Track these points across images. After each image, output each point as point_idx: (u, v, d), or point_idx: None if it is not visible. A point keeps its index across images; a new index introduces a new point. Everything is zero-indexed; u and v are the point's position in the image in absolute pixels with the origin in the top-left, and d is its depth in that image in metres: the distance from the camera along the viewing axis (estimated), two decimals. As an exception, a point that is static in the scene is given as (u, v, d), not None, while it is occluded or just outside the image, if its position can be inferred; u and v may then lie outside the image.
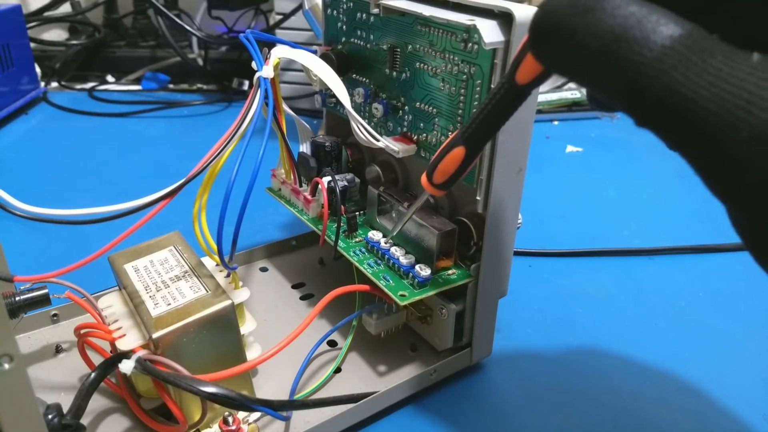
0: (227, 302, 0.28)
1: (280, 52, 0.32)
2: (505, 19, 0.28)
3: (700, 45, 0.15)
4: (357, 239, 0.36)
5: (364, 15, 0.36)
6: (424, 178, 0.28)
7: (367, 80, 0.38)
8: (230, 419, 0.28)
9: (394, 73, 0.35)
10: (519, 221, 0.33)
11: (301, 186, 0.39)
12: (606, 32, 0.16)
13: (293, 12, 0.72)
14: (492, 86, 0.29)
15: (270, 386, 0.33)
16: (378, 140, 0.34)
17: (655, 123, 0.16)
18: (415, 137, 0.35)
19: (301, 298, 0.41)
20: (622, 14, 0.16)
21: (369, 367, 0.35)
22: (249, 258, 0.44)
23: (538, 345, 0.39)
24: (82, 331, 0.29)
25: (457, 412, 0.34)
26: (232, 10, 0.83)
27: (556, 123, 0.82)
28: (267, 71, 0.31)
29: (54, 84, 0.87)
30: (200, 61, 0.87)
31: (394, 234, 0.33)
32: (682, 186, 0.64)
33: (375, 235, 0.35)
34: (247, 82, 0.85)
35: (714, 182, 0.16)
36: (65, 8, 0.90)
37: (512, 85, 0.21)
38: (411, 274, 0.32)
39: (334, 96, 0.33)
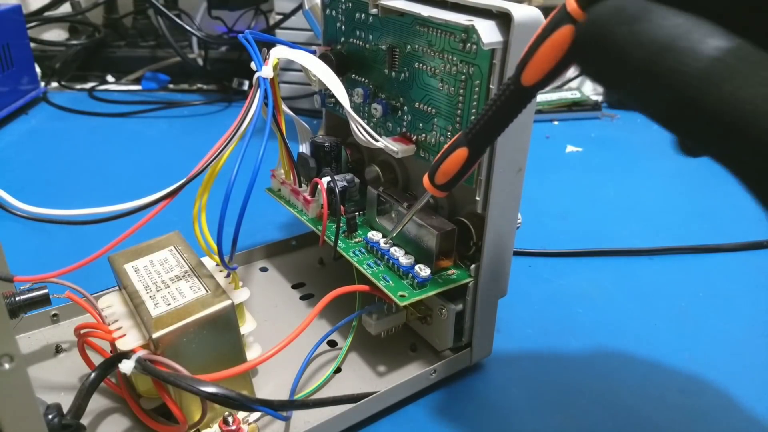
0: (227, 302, 0.28)
1: (279, 53, 0.32)
2: (503, 19, 0.28)
3: (750, 58, 0.15)
4: (357, 239, 0.36)
5: (362, 15, 0.36)
6: (426, 179, 0.28)
7: (366, 80, 0.38)
8: (230, 419, 0.28)
9: (393, 74, 0.35)
10: (519, 221, 0.33)
11: (300, 186, 0.39)
12: (652, 42, 0.15)
13: (293, 12, 0.72)
14: (491, 86, 0.29)
15: (270, 386, 0.33)
16: (377, 140, 0.34)
17: (704, 136, 0.15)
18: (414, 137, 0.35)
19: (301, 298, 0.41)
20: (669, 24, 0.15)
21: (369, 367, 0.35)
22: (249, 258, 0.44)
23: (538, 345, 0.39)
24: (82, 331, 0.29)
25: (457, 412, 0.34)
26: (232, 10, 0.83)
27: (556, 123, 0.82)
28: (266, 71, 0.31)
29: (54, 84, 0.87)
30: (200, 61, 0.87)
31: (394, 235, 0.33)
32: (682, 186, 0.64)
33: (375, 235, 0.35)
34: (247, 82, 0.85)
35: (765, 194, 0.15)
36: (65, 8, 0.90)
37: (517, 87, 0.21)
38: (411, 275, 0.32)
39: (333, 96, 0.33)
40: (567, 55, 0.19)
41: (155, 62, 0.90)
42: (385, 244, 0.34)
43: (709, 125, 0.15)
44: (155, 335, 0.26)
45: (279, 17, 0.74)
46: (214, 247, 0.29)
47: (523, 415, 0.34)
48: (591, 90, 0.90)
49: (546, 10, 0.23)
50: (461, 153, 0.25)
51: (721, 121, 0.15)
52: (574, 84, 0.90)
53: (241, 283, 0.32)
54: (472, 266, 0.32)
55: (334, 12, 0.39)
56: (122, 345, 0.27)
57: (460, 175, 0.26)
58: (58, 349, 0.35)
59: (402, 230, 0.34)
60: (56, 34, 0.94)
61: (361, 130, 0.33)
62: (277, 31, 0.74)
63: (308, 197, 0.38)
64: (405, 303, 0.31)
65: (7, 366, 0.19)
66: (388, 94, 0.36)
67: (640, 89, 0.16)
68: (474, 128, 0.25)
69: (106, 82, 0.89)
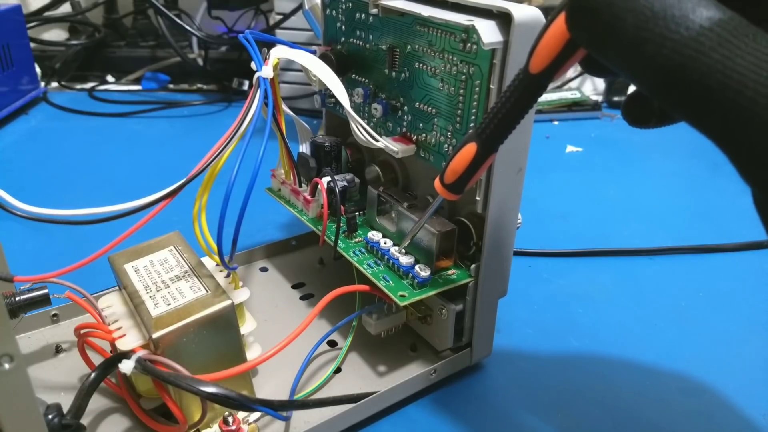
0: (227, 302, 0.28)
1: (279, 53, 0.32)
2: (503, 19, 0.28)
3: (741, 30, 0.15)
4: (357, 239, 0.36)
5: (363, 15, 0.36)
6: (437, 181, 0.27)
7: (367, 80, 0.38)
8: (230, 419, 0.28)
9: (394, 74, 0.35)
10: (519, 221, 0.33)
11: (300, 186, 0.39)
12: (644, 8, 0.16)
13: (293, 12, 0.72)
14: (491, 86, 0.29)
15: (270, 386, 0.33)
16: (377, 140, 0.34)
17: (689, 105, 0.16)
18: (415, 137, 0.35)
19: (301, 298, 0.41)
20: None
21: (369, 367, 0.35)
22: (249, 258, 0.44)
23: (538, 345, 0.39)
24: (82, 331, 0.29)
25: (457, 412, 0.34)
26: (232, 10, 0.83)
27: (556, 123, 0.82)
28: (266, 71, 0.31)
29: (54, 84, 0.87)
30: (200, 61, 0.87)
31: (407, 243, 0.33)
32: (682, 186, 0.64)
33: (375, 235, 0.35)
34: (247, 82, 0.85)
35: (747, 164, 0.15)
36: (65, 8, 0.90)
37: (526, 75, 0.21)
38: (411, 275, 0.32)
39: (333, 96, 0.33)
40: (569, 36, 0.19)
41: (155, 62, 0.90)
42: (397, 252, 0.33)
43: (695, 94, 0.15)
44: (155, 335, 0.26)
45: (279, 17, 0.74)
46: (214, 247, 0.29)
47: (522, 415, 0.34)
48: (591, 90, 0.90)
49: (546, 10, 0.24)
50: (470, 149, 0.25)
51: (707, 89, 0.15)
52: (574, 84, 0.90)
53: (241, 283, 0.32)
54: (472, 266, 0.32)
55: (334, 12, 0.39)
56: (122, 345, 0.27)
57: (468, 173, 0.25)
58: (58, 349, 0.35)
59: (402, 230, 0.34)
60: (56, 34, 0.94)
61: (361, 130, 0.33)
62: (277, 31, 0.74)
63: (308, 197, 0.38)
64: (405, 303, 0.31)
65: (7, 366, 0.19)
66: (388, 94, 0.36)
67: (629, 55, 0.16)
68: (484, 122, 0.24)
69: (106, 82, 0.89)
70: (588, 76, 0.90)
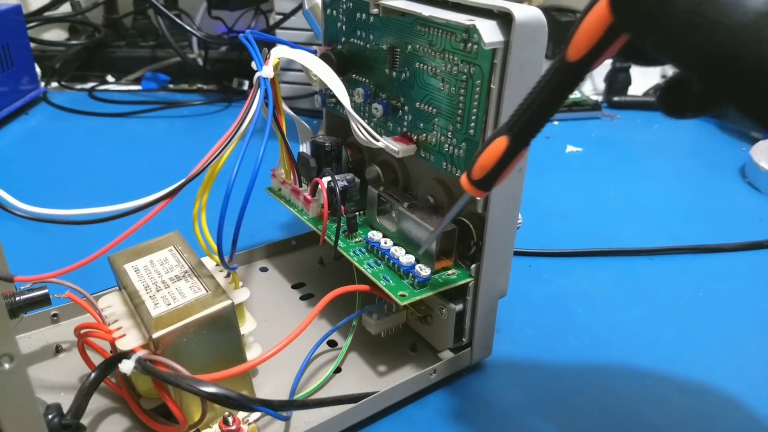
0: (227, 302, 0.28)
1: (279, 52, 0.32)
2: (504, 19, 0.28)
3: None
4: (357, 239, 0.36)
5: (363, 15, 0.36)
6: (464, 177, 0.26)
7: (367, 80, 0.38)
8: (230, 419, 0.28)
9: (394, 73, 0.35)
10: (519, 221, 0.33)
11: (301, 186, 0.39)
12: None
13: (293, 12, 0.72)
14: (492, 86, 0.29)
15: (270, 386, 0.33)
16: (378, 140, 0.34)
17: (743, 94, 0.15)
18: (415, 137, 0.35)
19: (301, 298, 0.41)
20: None
21: (369, 367, 0.35)
22: (249, 258, 0.44)
23: (538, 345, 0.39)
24: (82, 331, 0.29)
25: (457, 412, 0.34)
26: (232, 10, 0.83)
27: (556, 123, 0.82)
28: (267, 71, 0.31)
29: (54, 84, 0.87)
30: (200, 61, 0.87)
31: (430, 245, 0.32)
32: (682, 186, 0.64)
33: (375, 235, 0.35)
34: (247, 82, 0.85)
35: None
36: (65, 8, 0.90)
37: (563, 63, 0.20)
38: (411, 274, 0.32)
39: (333, 96, 0.33)
40: (611, 22, 0.18)
41: (155, 62, 0.90)
42: (415, 261, 0.33)
43: (752, 82, 0.15)
44: (155, 335, 0.26)
45: (279, 17, 0.74)
46: (214, 247, 0.29)
47: (522, 415, 0.34)
48: (591, 90, 0.90)
49: (546, 10, 0.23)
50: (500, 143, 0.23)
51: (759, 77, 0.14)
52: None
53: (241, 283, 0.32)
54: (473, 266, 0.32)
55: (334, 12, 0.39)
56: (122, 345, 0.27)
57: (499, 168, 0.24)
58: (58, 349, 0.35)
59: (402, 230, 0.34)
60: (56, 34, 0.94)
61: (361, 129, 0.33)
62: (277, 31, 0.74)
63: (309, 197, 0.38)
64: (405, 303, 0.31)
65: (7, 366, 0.19)
66: (388, 94, 0.36)
67: (678, 42, 0.16)
68: (515, 115, 0.23)
69: (106, 82, 0.89)
70: (588, 75, 0.90)
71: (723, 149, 0.73)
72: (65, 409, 0.27)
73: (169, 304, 0.28)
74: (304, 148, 0.41)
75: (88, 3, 0.91)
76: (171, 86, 0.90)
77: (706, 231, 0.53)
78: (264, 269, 0.44)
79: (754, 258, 0.49)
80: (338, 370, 0.35)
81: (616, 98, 0.86)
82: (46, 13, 0.89)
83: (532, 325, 0.41)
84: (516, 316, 0.41)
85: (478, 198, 0.26)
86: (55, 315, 0.37)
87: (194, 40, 0.91)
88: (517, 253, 0.45)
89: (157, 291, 0.29)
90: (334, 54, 0.38)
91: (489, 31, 0.27)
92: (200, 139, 0.71)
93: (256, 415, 0.30)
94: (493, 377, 0.36)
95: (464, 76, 0.30)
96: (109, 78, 0.90)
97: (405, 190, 0.39)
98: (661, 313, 0.43)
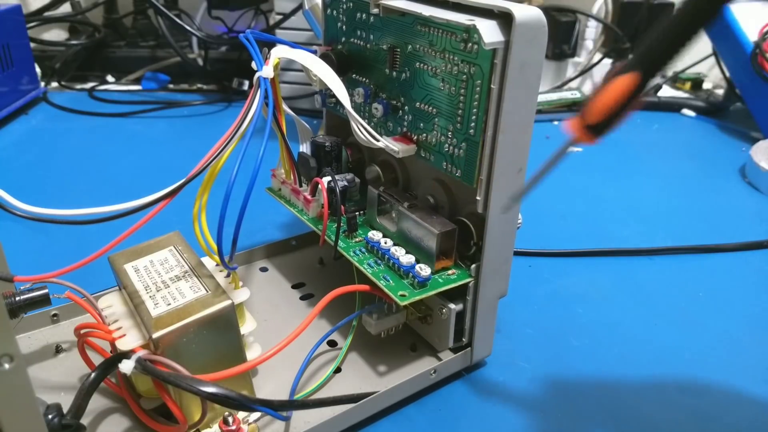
0: (227, 302, 0.28)
1: (279, 52, 0.32)
2: (505, 19, 0.28)
3: None
4: (357, 239, 0.36)
5: (363, 15, 0.36)
6: (574, 121, 0.23)
7: (367, 80, 0.38)
8: (230, 419, 0.28)
9: (394, 73, 0.35)
10: (519, 221, 0.33)
11: (301, 186, 0.39)
12: None
13: (293, 12, 0.72)
14: (492, 86, 0.29)
15: (270, 386, 0.33)
16: (378, 140, 0.34)
17: None
18: (415, 137, 0.35)
19: (301, 298, 0.41)
20: None
21: (369, 367, 0.35)
22: (249, 258, 0.44)
23: (538, 345, 0.39)
24: (82, 331, 0.29)
25: (457, 412, 0.34)
26: (232, 10, 0.83)
27: (556, 123, 0.82)
28: (267, 71, 0.31)
29: (54, 84, 0.87)
30: (200, 61, 0.87)
31: (528, 191, 0.28)
32: (682, 186, 0.64)
33: (375, 235, 0.35)
34: (247, 82, 0.85)
35: None
36: (65, 8, 0.90)
37: None
38: (411, 274, 0.32)
39: (334, 96, 0.33)
40: None
41: (155, 62, 0.90)
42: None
43: None
44: (155, 335, 0.26)
45: (279, 17, 0.74)
46: (214, 247, 0.29)
47: (522, 415, 0.34)
48: (591, 90, 0.90)
49: (546, 10, 0.23)
50: (627, 80, 0.21)
51: None
52: (574, 84, 0.90)
53: (241, 283, 0.32)
54: (473, 266, 0.32)
55: (334, 12, 0.39)
56: (122, 345, 0.27)
57: (623, 109, 0.22)
58: (58, 349, 0.35)
59: (402, 230, 0.34)
60: (56, 34, 0.94)
61: (361, 129, 0.33)
62: (277, 31, 0.74)
63: (309, 197, 0.38)
64: (405, 302, 0.31)
65: (7, 366, 0.19)
66: (388, 94, 0.36)
67: None
68: (646, 47, 0.21)
69: (106, 82, 0.89)
70: (588, 75, 0.90)
71: (723, 149, 0.73)
72: (65, 409, 0.27)
73: (169, 304, 0.28)
74: (304, 148, 0.41)
75: (88, 3, 0.91)
76: (171, 86, 0.90)
77: (706, 231, 0.53)
78: (264, 269, 0.44)
79: (754, 258, 0.49)
80: (338, 370, 0.35)
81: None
82: (46, 13, 0.88)
83: (532, 325, 0.41)
84: (516, 316, 0.41)
85: (581, 145, 0.24)
86: (55, 315, 0.37)
87: (194, 40, 0.91)
88: (517, 253, 0.45)
89: (157, 291, 0.29)
90: (334, 54, 0.38)
91: (489, 31, 0.27)
92: (200, 139, 0.71)
93: (256, 415, 0.30)
94: (493, 377, 0.36)
95: (464, 76, 0.30)
96: (109, 78, 0.90)
97: (405, 190, 0.39)
98: (661, 313, 0.43)
